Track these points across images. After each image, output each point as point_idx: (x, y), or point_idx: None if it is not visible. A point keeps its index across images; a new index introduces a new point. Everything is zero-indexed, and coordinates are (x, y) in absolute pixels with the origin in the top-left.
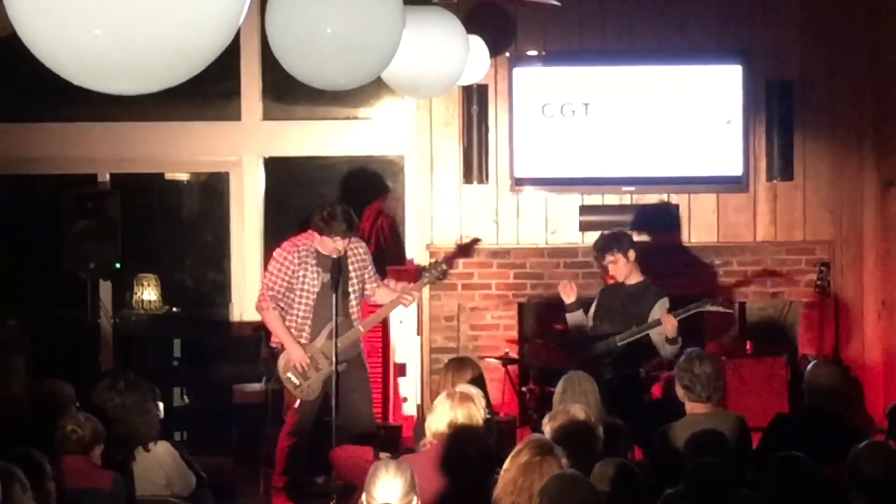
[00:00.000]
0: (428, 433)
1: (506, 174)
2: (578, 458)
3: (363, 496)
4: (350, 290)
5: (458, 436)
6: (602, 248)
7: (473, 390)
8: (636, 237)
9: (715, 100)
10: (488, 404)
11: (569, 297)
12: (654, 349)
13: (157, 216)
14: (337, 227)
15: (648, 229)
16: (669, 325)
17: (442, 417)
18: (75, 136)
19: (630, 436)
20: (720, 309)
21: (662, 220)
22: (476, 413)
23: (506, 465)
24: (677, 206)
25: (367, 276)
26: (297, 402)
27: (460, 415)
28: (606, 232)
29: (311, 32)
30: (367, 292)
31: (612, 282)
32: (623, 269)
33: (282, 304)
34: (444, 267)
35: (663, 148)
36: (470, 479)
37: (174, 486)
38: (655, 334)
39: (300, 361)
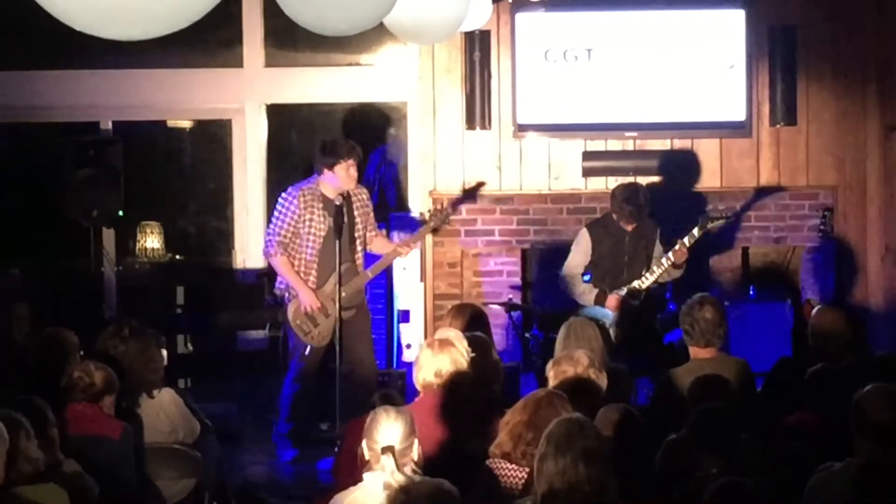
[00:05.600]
0: (417, 385)
1: (508, 120)
2: (581, 405)
3: (364, 442)
4: (356, 234)
5: (447, 382)
6: (639, 216)
7: (452, 334)
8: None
9: (718, 45)
10: (493, 350)
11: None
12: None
13: (159, 164)
14: (343, 150)
15: (655, 173)
16: (682, 258)
17: (427, 367)
18: (77, 83)
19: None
20: (723, 222)
21: (672, 163)
22: (459, 356)
23: (513, 408)
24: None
25: (368, 223)
26: (308, 348)
27: (444, 361)
28: (635, 184)
29: None
30: (366, 240)
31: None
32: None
33: (288, 250)
34: (448, 211)
35: (666, 93)
36: (470, 423)
37: (179, 434)
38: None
39: (311, 304)
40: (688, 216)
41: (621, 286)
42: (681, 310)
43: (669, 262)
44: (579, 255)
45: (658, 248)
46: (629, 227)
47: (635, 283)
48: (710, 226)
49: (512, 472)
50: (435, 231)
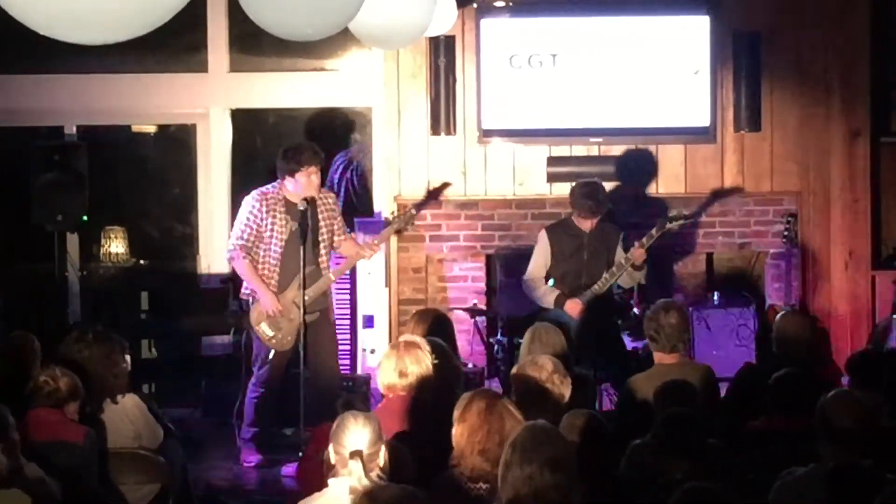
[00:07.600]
0: (381, 388)
1: (473, 126)
2: (545, 410)
3: (330, 447)
4: (320, 239)
5: (411, 385)
6: (598, 210)
7: (418, 339)
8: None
9: (682, 50)
10: (456, 355)
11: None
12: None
13: (124, 168)
14: (306, 158)
15: (620, 179)
16: (641, 258)
17: (390, 369)
18: (41, 88)
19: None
20: (681, 222)
21: (637, 169)
22: (424, 359)
23: (457, 417)
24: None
25: (335, 227)
26: (272, 353)
27: (409, 363)
28: (594, 181)
29: None
30: (333, 244)
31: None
32: (595, 222)
33: (251, 254)
34: (412, 212)
35: (631, 99)
36: (434, 427)
37: (142, 439)
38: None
39: (272, 308)
40: (652, 222)
41: (581, 289)
42: (645, 315)
43: (629, 263)
44: (539, 258)
45: (620, 253)
46: (588, 227)
47: (595, 287)
48: (668, 226)
49: (475, 484)
50: (398, 233)
